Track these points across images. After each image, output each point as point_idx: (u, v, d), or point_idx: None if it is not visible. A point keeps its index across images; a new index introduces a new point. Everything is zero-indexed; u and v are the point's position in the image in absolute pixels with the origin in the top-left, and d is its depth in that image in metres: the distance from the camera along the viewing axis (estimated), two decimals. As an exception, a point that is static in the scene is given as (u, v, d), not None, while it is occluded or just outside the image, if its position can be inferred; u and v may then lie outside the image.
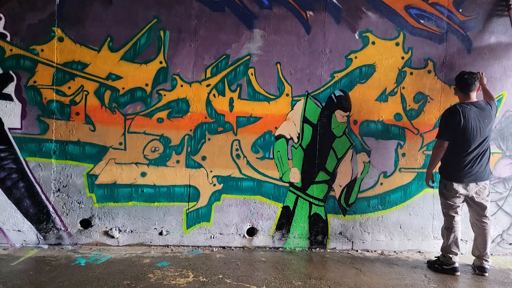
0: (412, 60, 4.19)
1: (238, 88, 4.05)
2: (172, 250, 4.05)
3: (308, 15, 4.07)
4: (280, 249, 4.21)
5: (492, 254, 4.06)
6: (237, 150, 4.10)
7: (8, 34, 3.78)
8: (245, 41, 4.02)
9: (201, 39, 3.98)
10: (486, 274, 3.70)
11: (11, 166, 3.87)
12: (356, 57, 4.14)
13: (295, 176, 4.18)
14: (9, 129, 3.84)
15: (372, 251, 4.30)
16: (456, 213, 3.75)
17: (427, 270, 3.82)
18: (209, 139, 4.06)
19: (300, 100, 4.12)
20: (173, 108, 4.00)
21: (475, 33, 4.21)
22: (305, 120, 4.14)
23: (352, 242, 4.29)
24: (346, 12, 4.10)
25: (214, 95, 4.04)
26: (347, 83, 4.16)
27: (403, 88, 4.20)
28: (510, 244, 4.40)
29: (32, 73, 3.83)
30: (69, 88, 3.88)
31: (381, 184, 4.26)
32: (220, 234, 4.15)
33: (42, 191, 3.92)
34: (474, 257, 3.82)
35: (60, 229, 3.97)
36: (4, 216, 3.90)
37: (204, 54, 3.99)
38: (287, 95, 4.10)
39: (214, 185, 4.11)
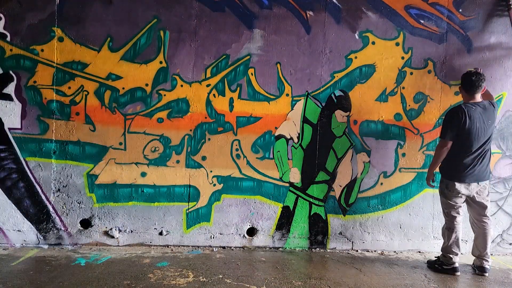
0: (412, 60, 4.18)
1: (238, 88, 4.05)
2: (172, 250, 4.05)
3: (308, 15, 4.07)
4: (280, 249, 4.21)
5: (492, 254, 4.06)
6: (237, 150, 4.10)
7: (8, 34, 3.78)
8: (245, 41, 4.02)
9: (201, 39, 3.98)
10: (486, 274, 3.71)
11: (11, 166, 3.87)
12: (356, 57, 4.13)
13: (295, 176, 4.18)
14: (9, 129, 3.84)
15: (372, 251, 4.30)
16: (458, 213, 3.74)
17: (427, 270, 3.82)
18: (209, 139, 4.06)
19: (300, 100, 4.12)
20: (173, 108, 4.00)
21: (475, 33, 4.21)
22: (305, 120, 4.14)
23: (352, 242, 4.29)
24: (346, 12, 4.10)
25: (214, 95, 4.04)
26: (347, 83, 4.15)
27: (403, 88, 4.20)
28: (510, 244, 4.40)
29: (32, 73, 3.83)
30: (69, 88, 3.88)
31: (381, 184, 4.25)
32: (220, 234, 4.15)
33: (42, 191, 3.92)
34: (474, 257, 3.82)
35: (60, 229, 3.97)
36: (4, 216, 3.90)
37: (204, 54, 3.99)
38: (287, 95, 4.10)
39: (214, 185, 4.11)
